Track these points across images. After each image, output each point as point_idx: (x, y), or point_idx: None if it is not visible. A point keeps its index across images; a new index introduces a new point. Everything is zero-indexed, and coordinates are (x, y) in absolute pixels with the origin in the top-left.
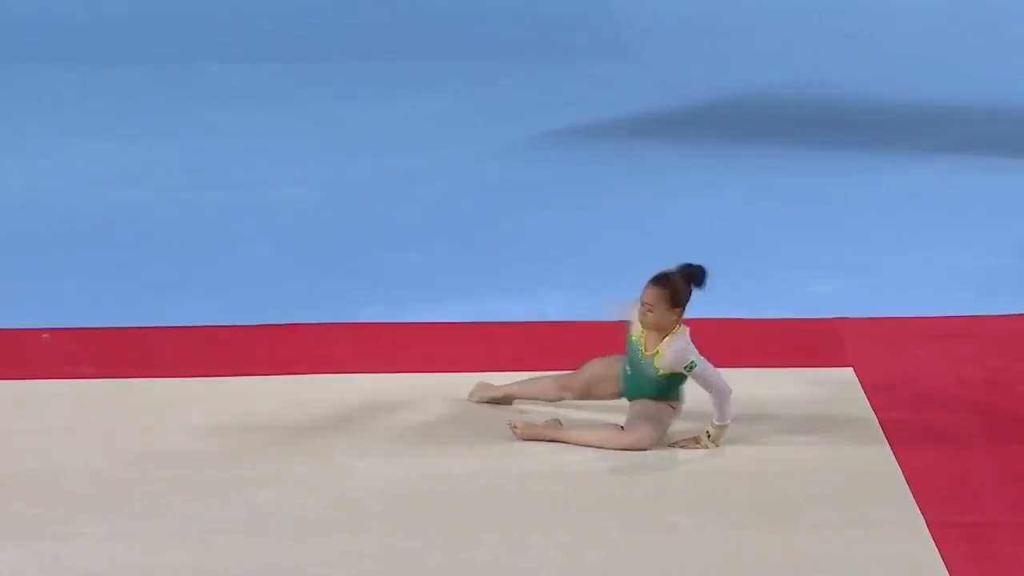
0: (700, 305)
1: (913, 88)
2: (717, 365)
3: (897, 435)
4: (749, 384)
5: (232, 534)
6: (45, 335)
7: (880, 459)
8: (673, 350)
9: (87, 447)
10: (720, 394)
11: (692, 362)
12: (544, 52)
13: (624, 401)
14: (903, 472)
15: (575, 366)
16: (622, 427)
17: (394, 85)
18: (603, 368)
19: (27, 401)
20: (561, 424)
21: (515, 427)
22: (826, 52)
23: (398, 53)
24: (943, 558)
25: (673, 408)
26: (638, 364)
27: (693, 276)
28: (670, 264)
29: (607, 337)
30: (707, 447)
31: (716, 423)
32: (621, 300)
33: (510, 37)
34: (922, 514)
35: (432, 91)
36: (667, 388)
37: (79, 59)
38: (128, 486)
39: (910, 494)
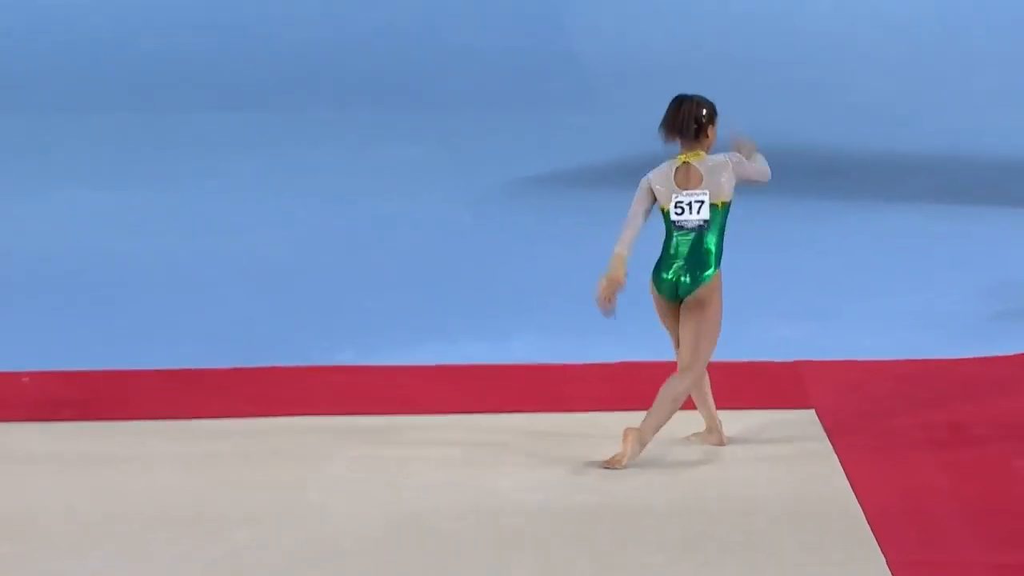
0: (668, 348)
1: (878, 137)
2: (682, 408)
3: (858, 475)
4: None
5: (208, 573)
6: (25, 378)
7: (841, 499)
8: None
9: (65, 488)
10: None
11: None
12: (516, 102)
13: None
14: (864, 512)
15: (545, 408)
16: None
17: (369, 135)
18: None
19: (6, 442)
20: (636, 428)
21: (614, 464)
22: (793, 101)
23: (373, 104)
24: None
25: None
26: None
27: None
28: (639, 311)
29: (577, 379)
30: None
31: None
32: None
33: (483, 88)
34: (883, 553)
35: (406, 140)
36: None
37: (59, 108)
38: (105, 526)
39: (871, 533)
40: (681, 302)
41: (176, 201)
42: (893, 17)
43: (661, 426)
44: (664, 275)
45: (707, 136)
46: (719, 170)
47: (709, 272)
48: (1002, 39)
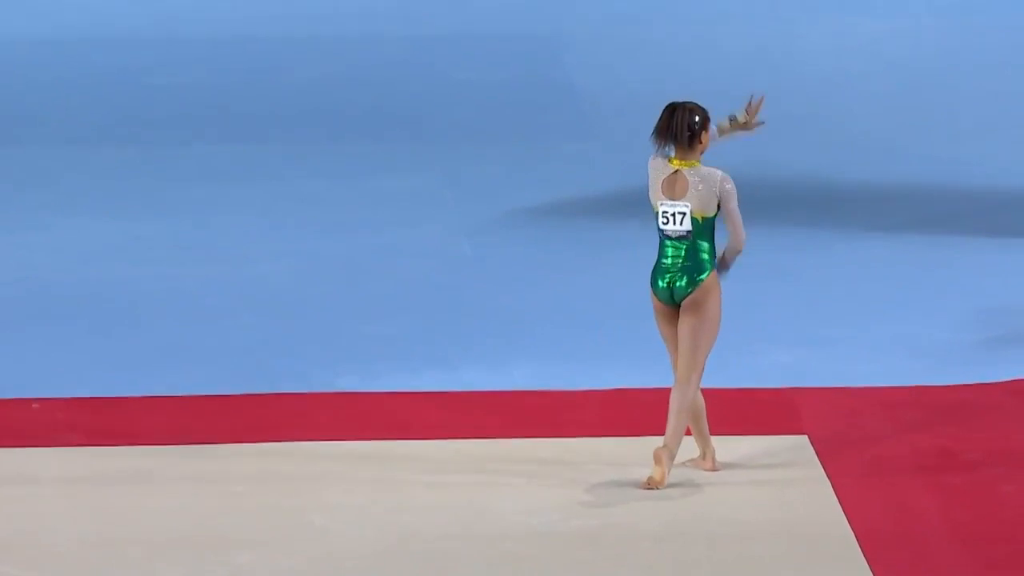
0: (663, 374)
1: (868, 170)
2: None
3: (850, 499)
4: None
5: None
6: (35, 404)
7: (833, 521)
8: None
9: (74, 512)
10: None
11: None
12: (514, 133)
13: None
14: (856, 534)
15: (543, 433)
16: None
17: (371, 166)
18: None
19: (17, 468)
20: (664, 447)
21: (653, 485)
22: (786, 134)
23: (373, 136)
24: None
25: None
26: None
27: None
28: (635, 339)
29: (574, 405)
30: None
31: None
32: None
33: (482, 120)
34: (874, 575)
35: (407, 171)
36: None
37: (71, 142)
38: (113, 549)
39: (862, 556)
40: (679, 306)
41: (182, 231)
42: (882, 54)
43: (682, 435)
44: (660, 282)
45: (700, 142)
46: (707, 186)
47: (704, 275)
48: (985, 77)
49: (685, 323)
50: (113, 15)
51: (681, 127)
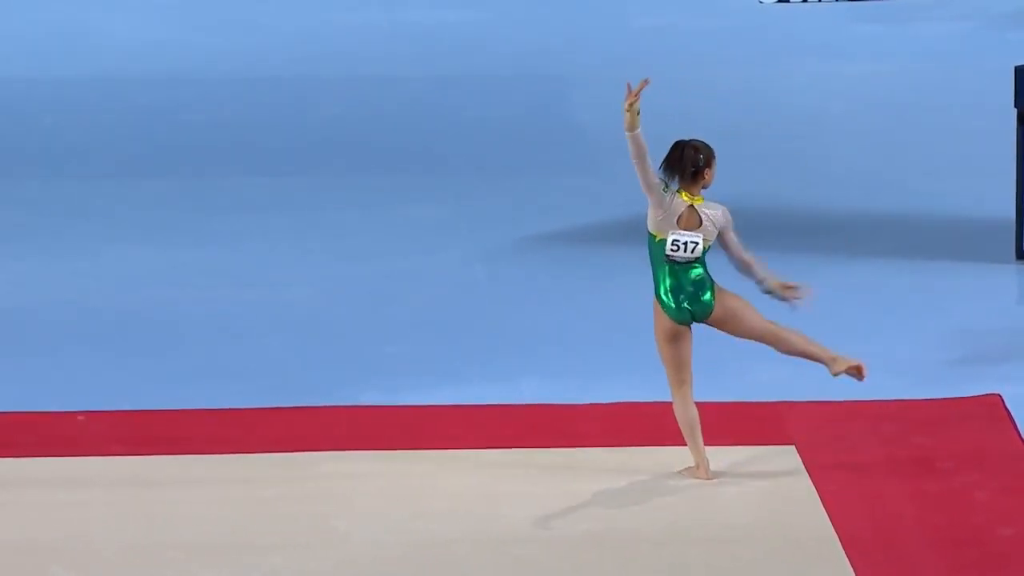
0: (662, 389)
1: (850, 201)
2: (673, 444)
3: (834, 505)
4: None
5: None
6: (80, 417)
7: (818, 526)
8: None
9: (116, 517)
10: None
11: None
12: (523, 167)
13: None
14: (839, 539)
15: (551, 444)
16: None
17: (391, 197)
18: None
19: (65, 476)
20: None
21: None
22: (774, 168)
23: (395, 169)
24: None
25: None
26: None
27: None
28: (636, 356)
29: (579, 418)
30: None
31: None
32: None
33: (493, 154)
34: (855, 574)
35: (425, 202)
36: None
37: (115, 175)
38: (153, 552)
39: (846, 559)
40: (688, 326)
41: (217, 257)
42: (864, 95)
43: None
44: (671, 304)
45: (703, 177)
46: (715, 220)
47: (710, 294)
48: (959, 115)
49: (738, 327)
50: (152, 57)
51: (687, 164)
